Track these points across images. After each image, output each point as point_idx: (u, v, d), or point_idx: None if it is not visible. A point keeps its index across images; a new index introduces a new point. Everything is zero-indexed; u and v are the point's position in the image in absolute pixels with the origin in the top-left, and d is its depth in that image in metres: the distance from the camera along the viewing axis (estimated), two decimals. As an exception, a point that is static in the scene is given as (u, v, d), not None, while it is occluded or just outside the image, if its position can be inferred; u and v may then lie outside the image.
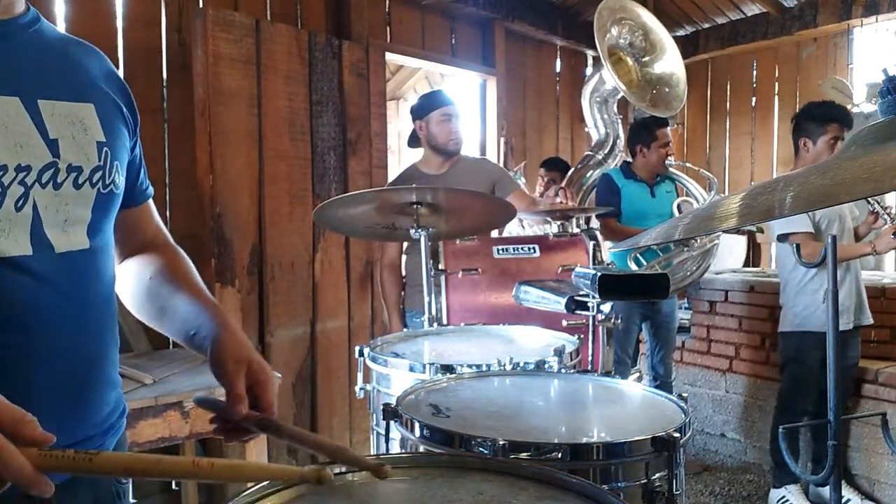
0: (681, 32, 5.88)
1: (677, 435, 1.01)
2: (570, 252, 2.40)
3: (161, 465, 0.64)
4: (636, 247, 3.09)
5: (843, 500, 3.10)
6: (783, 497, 3.11)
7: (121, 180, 0.95)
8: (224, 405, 0.83)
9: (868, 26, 5.02)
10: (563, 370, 1.47)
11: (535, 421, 1.14)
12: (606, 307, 1.70)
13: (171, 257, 1.07)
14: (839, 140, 2.88)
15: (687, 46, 5.75)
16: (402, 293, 2.98)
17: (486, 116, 4.84)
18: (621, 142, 3.76)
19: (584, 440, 1.07)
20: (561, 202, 2.85)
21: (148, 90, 2.99)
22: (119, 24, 2.91)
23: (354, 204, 2.07)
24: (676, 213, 3.50)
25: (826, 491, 3.00)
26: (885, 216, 2.83)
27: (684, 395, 1.21)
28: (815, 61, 5.44)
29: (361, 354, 1.66)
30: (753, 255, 5.63)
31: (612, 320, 1.81)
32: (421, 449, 1.05)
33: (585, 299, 1.63)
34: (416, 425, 1.07)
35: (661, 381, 3.53)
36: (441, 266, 2.31)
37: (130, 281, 1.06)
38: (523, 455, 0.98)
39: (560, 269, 2.33)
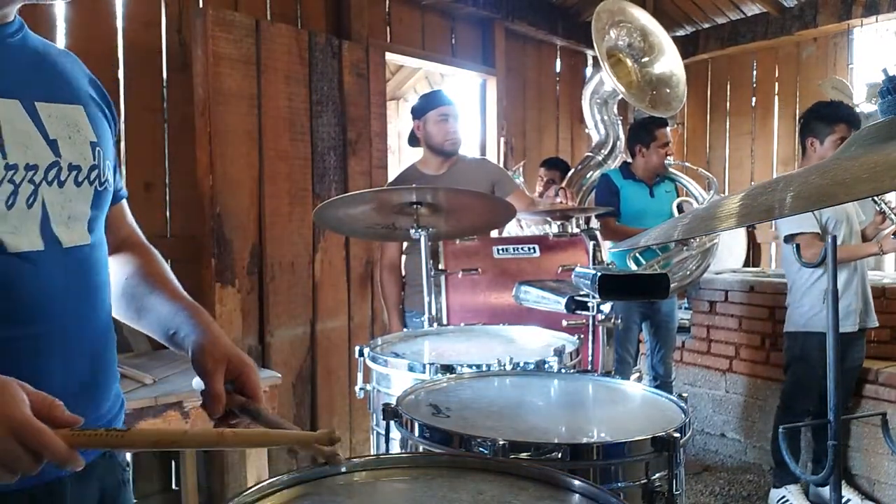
0: (681, 32, 5.87)
1: (677, 435, 1.01)
2: (570, 252, 2.40)
3: (188, 437, 0.70)
4: (636, 247, 3.09)
5: (843, 500, 3.10)
6: (783, 497, 3.11)
7: (112, 178, 0.99)
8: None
9: (868, 26, 5.02)
10: (563, 370, 1.47)
11: (535, 421, 1.15)
12: (606, 307, 1.71)
13: (147, 257, 1.10)
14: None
15: (687, 46, 5.74)
16: (402, 293, 2.98)
17: (486, 116, 4.83)
18: (621, 143, 3.76)
19: (584, 440, 1.07)
20: (561, 202, 2.85)
21: (148, 90, 2.99)
22: (119, 24, 2.91)
23: (354, 204, 2.07)
24: (676, 213, 3.50)
25: (826, 491, 3.00)
26: (893, 216, 2.82)
27: (684, 395, 1.21)
28: (815, 61, 5.44)
29: (361, 354, 1.66)
30: (753, 255, 5.63)
31: (612, 320, 1.82)
32: (421, 449, 1.05)
33: (585, 299, 1.63)
34: (416, 425, 1.07)
35: (661, 381, 3.53)
36: (441, 266, 2.31)
37: None
38: (523, 455, 0.98)
39: (560, 269, 2.33)
